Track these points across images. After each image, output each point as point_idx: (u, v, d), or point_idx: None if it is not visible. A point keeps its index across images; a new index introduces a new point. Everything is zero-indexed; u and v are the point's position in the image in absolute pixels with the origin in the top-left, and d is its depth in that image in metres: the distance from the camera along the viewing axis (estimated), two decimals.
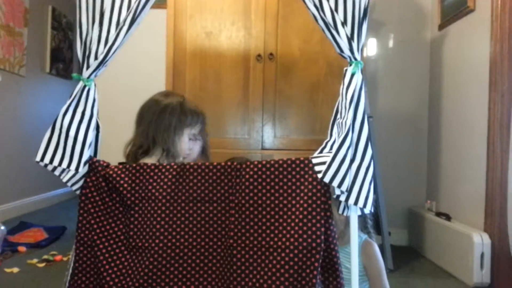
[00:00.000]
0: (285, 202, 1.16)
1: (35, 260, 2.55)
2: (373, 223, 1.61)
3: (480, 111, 2.39)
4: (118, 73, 2.96)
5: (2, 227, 2.69)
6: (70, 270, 1.25)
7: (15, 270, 2.39)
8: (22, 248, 2.75)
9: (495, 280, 2.26)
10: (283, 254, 1.11)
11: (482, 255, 2.26)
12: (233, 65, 2.53)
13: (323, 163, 1.14)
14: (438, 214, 2.77)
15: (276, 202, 1.17)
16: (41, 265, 2.50)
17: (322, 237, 1.11)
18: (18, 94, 3.88)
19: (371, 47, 3.17)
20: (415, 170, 3.15)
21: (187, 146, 1.48)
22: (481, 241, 2.26)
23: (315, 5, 1.18)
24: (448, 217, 2.65)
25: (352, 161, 1.14)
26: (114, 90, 3.02)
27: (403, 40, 3.17)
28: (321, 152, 1.22)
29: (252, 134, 2.54)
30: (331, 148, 1.20)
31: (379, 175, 2.59)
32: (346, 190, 1.13)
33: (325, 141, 1.23)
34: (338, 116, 1.19)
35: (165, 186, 1.22)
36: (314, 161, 1.17)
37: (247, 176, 1.18)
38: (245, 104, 2.54)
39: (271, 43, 2.51)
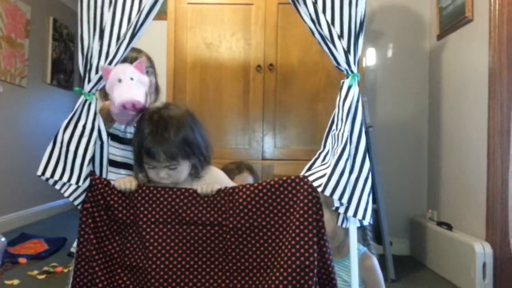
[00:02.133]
0: (280, 222, 1.17)
1: (35, 272, 2.54)
2: (373, 235, 1.59)
3: (479, 121, 2.40)
4: None
5: (3, 239, 2.68)
6: (70, 285, 1.25)
7: (15, 282, 2.37)
8: (22, 260, 2.74)
9: None
10: (277, 274, 1.11)
11: (484, 265, 2.25)
12: (233, 76, 2.54)
13: (322, 176, 1.14)
14: (440, 223, 2.76)
15: (272, 222, 1.17)
16: (42, 277, 2.48)
17: (315, 255, 1.11)
18: (19, 105, 3.90)
19: (370, 57, 3.19)
20: (415, 179, 3.15)
21: (155, 175, 1.25)
22: (483, 250, 2.25)
23: (311, 19, 1.19)
24: (449, 227, 2.64)
25: (350, 173, 1.14)
26: None
27: (402, 49, 3.18)
28: (314, 162, 1.22)
29: (252, 144, 2.54)
30: (323, 159, 1.20)
31: (379, 184, 2.58)
32: (346, 202, 1.13)
33: (319, 151, 1.24)
34: (334, 127, 1.20)
35: (157, 209, 1.23)
36: (311, 178, 1.16)
37: (240, 200, 1.19)
38: (246, 114, 2.55)
39: (271, 53, 2.53)
